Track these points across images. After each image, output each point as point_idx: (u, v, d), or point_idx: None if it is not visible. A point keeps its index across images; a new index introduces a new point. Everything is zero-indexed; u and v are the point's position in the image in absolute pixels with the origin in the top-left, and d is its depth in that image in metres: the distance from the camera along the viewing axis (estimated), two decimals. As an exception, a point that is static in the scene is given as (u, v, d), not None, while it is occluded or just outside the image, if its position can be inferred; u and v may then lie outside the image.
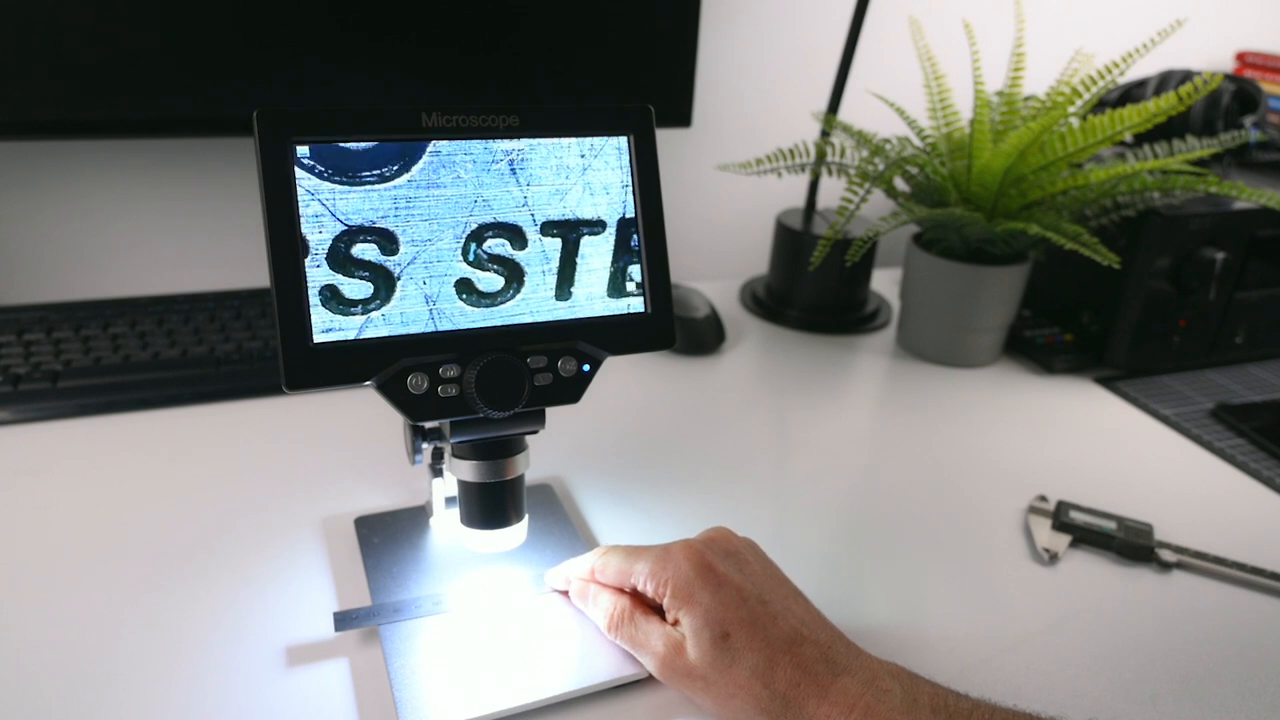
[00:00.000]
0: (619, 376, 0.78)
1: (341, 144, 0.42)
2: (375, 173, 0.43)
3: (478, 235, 0.45)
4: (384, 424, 0.67)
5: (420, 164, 0.44)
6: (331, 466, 0.63)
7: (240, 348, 0.74)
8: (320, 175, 0.42)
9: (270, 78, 0.72)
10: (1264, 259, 0.84)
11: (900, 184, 0.84)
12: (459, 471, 0.48)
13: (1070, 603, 0.54)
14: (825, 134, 0.87)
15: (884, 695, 0.39)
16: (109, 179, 0.83)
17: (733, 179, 1.02)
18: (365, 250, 0.43)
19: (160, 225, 0.86)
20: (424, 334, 0.43)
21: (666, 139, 0.93)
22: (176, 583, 0.52)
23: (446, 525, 0.55)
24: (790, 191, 1.04)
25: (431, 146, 0.44)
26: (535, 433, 0.48)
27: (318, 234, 0.42)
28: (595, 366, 0.47)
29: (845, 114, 0.90)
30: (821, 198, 0.95)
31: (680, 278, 0.99)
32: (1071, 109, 0.75)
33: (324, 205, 0.42)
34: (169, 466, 0.62)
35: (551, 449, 0.66)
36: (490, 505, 0.49)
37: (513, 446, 0.48)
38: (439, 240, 0.44)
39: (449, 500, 0.55)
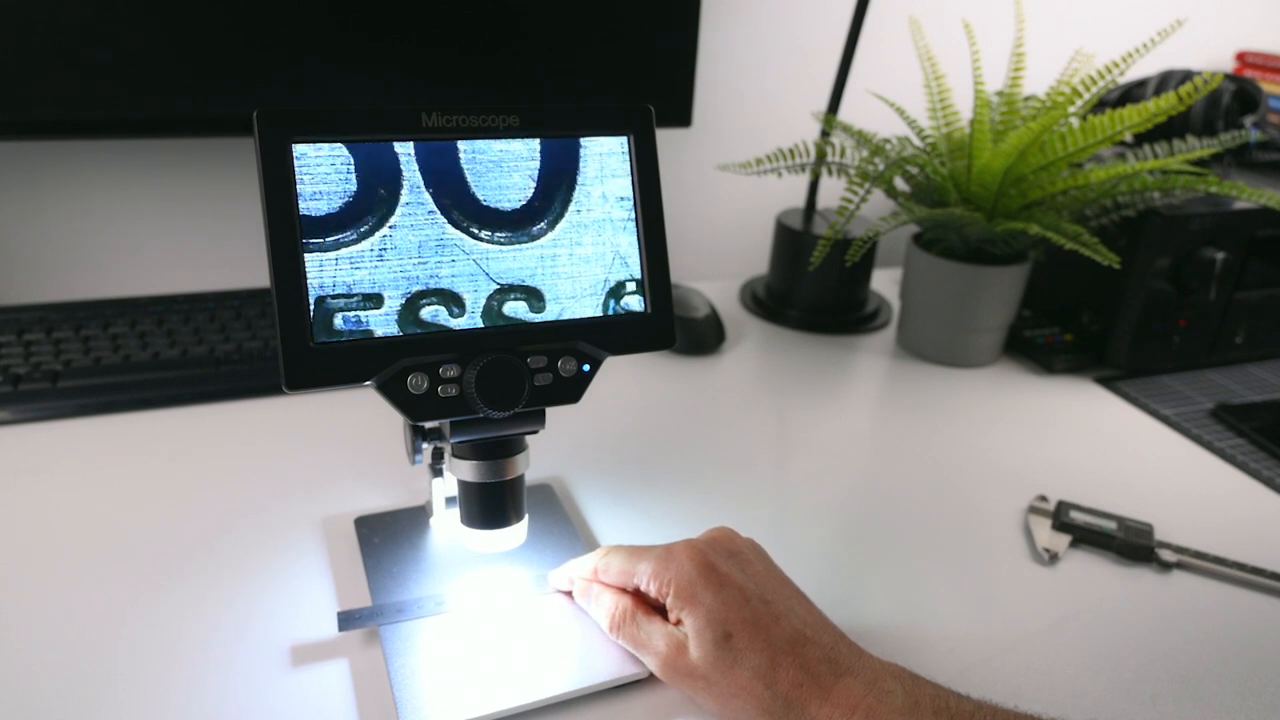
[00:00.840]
0: (619, 376, 0.78)
1: (485, 202, 0.44)
2: (522, 231, 0.45)
3: (616, 291, 0.47)
4: (384, 424, 0.67)
5: (563, 223, 0.46)
6: (331, 466, 0.63)
7: (240, 348, 0.74)
8: (475, 236, 0.44)
9: (270, 78, 0.72)
10: (1264, 259, 0.84)
11: (900, 184, 0.84)
12: (459, 471, 0.48)
13: (1070, 603, 0.54)
14: (825, 134, 0.87)
15: (886, 696, 0.39)
16: (109, 179, 0.83)
17: (733, 179, 1.02)
18: (515, 309, 0.45)
19: (160, 225, 0.86)
20: (424, 334, 0.43)
21: (666, 139, 0.93)
22: (176, 583, 0.52)
23: (446, 525, 0.55)
24: (790, 191, 1.04)
25: (574, 205, 0.46)
26: (535, 433, 0.48)
27: (472, 293, 0.44)
28: (595, 366, 0.47)
29: (845, 114, 0.90)
30: (821, 198, 0.95)
31: (680, 278, 0.99)
32: (1071, 109, 0.75)
33: (479, 266, 0.44)
34: (169, 466, 0.62)
35: (551, 449, 0.66)
36: (490, 505, 0.49)
37: (513, 446, 0.48)
38: (582, 296, 0.46)
39: (449, 500, 0.55)
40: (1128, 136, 0.80)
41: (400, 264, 0.43)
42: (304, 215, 0.41)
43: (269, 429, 0.67)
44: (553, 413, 0.48)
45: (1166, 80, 0.89)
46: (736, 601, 0.43)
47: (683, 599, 0.44)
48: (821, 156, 0.85)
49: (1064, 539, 0.60)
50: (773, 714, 0.40)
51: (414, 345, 0.43)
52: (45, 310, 0.75)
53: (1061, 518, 0.61)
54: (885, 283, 1.02)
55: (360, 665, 0.47)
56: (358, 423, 0.68)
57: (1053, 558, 0.58)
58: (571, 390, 0.46)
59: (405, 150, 0.43)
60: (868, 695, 0.39)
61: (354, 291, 0.42)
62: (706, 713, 0.44)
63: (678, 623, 0.44)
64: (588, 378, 0.47)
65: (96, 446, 0.64)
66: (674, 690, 0.46)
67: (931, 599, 0.54)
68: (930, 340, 0.85)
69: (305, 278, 0.41)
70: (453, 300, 0.44)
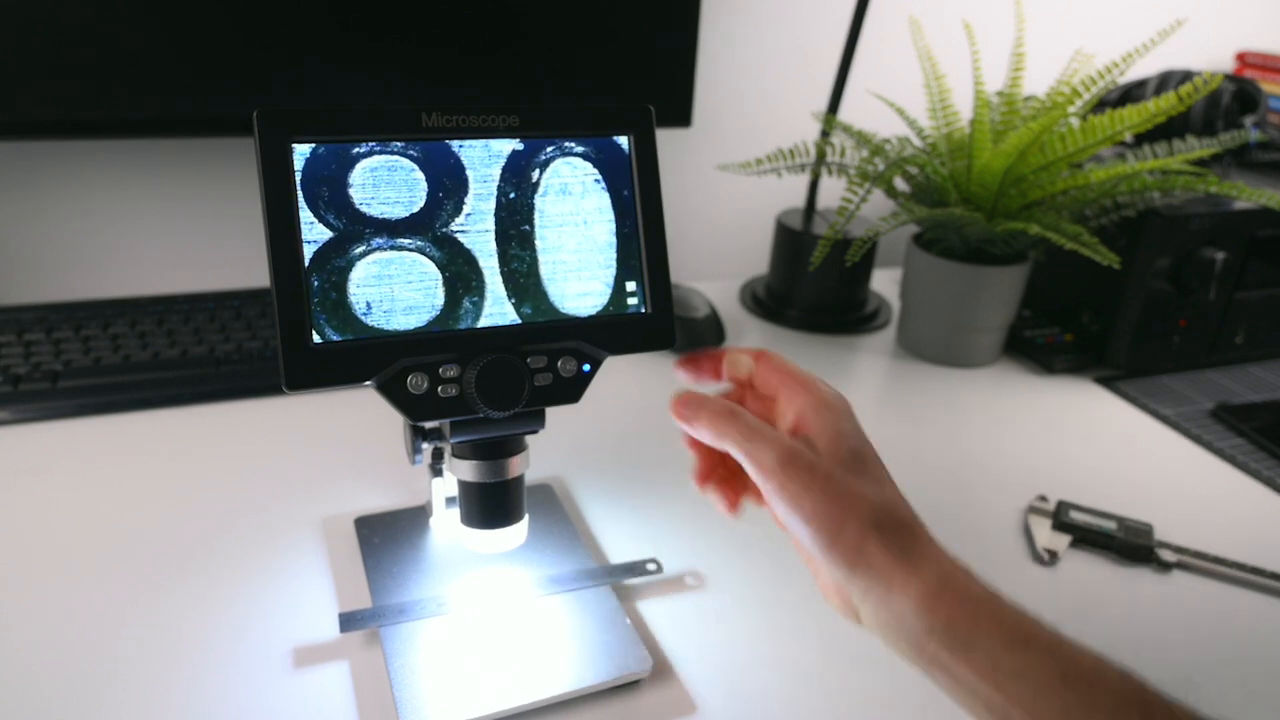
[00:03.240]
0: (619, 376, 0.78)
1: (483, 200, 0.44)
2: (522, 230, 0.45)
3: (616, 291, 0.48)
4: (384, 424, 0.67)
5: (563, 223, 0.46)
6: (331, 466, 0.63)
7: (240, 348, 0.74)
8: (473, 233, 0.43)
9: (270, 78, 0.72)
10: (1264, 259, 0.84)
11: (900, 184, 0.84)
12: (459, 471, 0.48)
13: (1070, 603, 0.54)
14: (825, 134, 0.87)
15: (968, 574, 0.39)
16: (109, 179, 0.83)
17: (733, 179, 1.02)
18: (516, 309, 0.45)
19: (161, 225, 0.86)
20: (424, 334, 0.43)
21: (666, 139, 0.93)
22: (176, 583, 0.52)
23: (446, 525, 0.55)
24: (790, 191, 1.04)
25: (573, 205, 0.45)
26: (535, 433, 0.48)
27: (473, 291, 0.44)
28: (595, 366, 0.47)
29: (845, 114, 0.90)
30: (821, 198, 0.95)
31: (680, 278, 0.99)
32: (1071, 109, 0.75)
33: (480, 265, 0.44)
34: (169, 466, 0.62)
35: (551, 449, 0.66)
36: (490, 505, 0.49)
37: (513, 446, 0.48)
38: (582, 296, 0.47)
39: (449, 500, 0.55)
40: (1128, 136, 0.80)
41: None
42: (373, 216, 0.40)
43: (269, 429, 0.67)
44: (553, 413, 0.48)
45: (1166, 80, 0.89)
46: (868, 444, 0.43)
47: (831, 408, 0.43)
48: (821, 156, 0.85)
49: (1064, 539, 0.60)
50: (882, 527, 0.38)
51: (414, 345, 0.43)
52: (45, 310, 0.75)
53: (1061, 518, 0.61)
54: (885, 283, 1.02)
55: (360, 665, 0.47)
56: (358, 423, 0.68)
57: (1053, 558, 0.58)
58: (571, 390, 0.46)
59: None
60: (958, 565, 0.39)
61: (354, 290, 0.42)
62: (801, 511, 0.39)
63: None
64: (588, 378, 0.47)
65: (96, 446, 0.64)
66: (672, 690, 0.46)
67: (931, 599, 0.54)
68: (930, 340, 0.85)
69: (305, 277, 0.41)
70: (453, 299, 0.44)
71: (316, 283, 0.40)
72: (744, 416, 0.43)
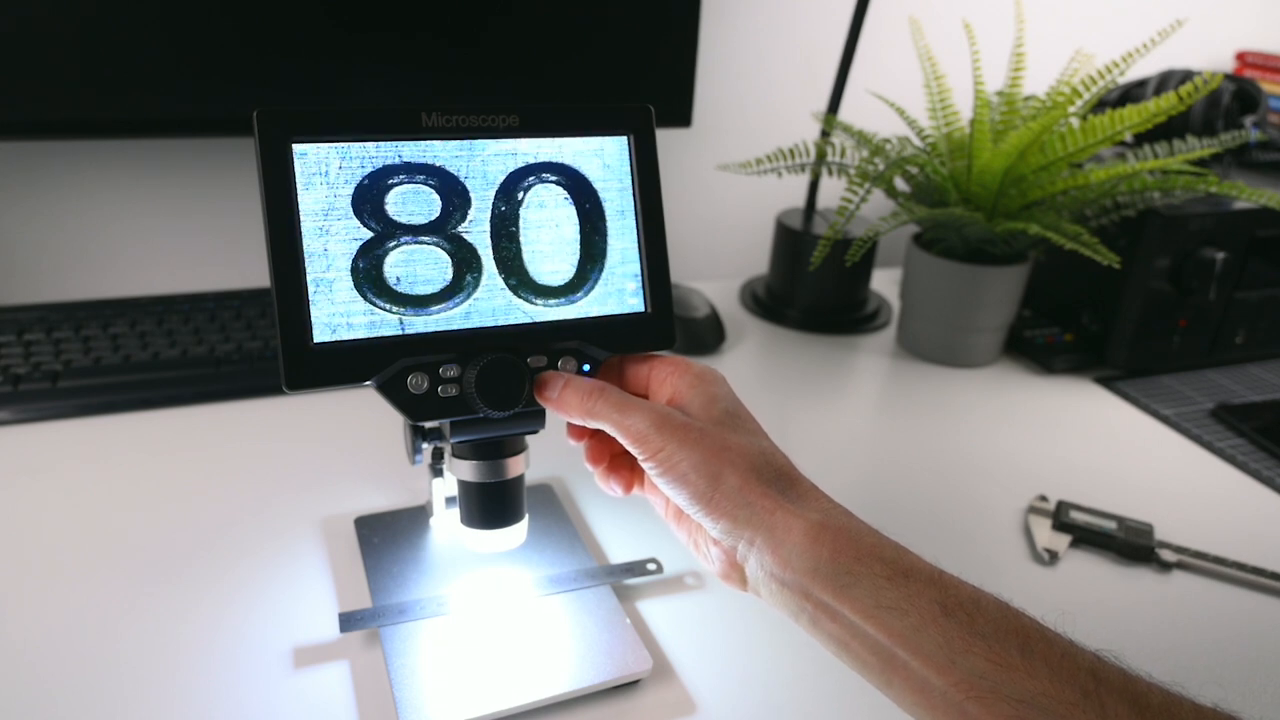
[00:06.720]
0: (619, 376, 0.78)
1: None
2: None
3: (616, 291, 0.49)
4: (384, 424, 0.67)
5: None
6: (331, 466, 0.63)
7: (240, 348, 0.74)
8: (472, 234, 0.45)
9: (270, 78, 0.72)
10: (1264, 259, 0.84)
11: (900, 184, 0.84)
12: (459, 471, 0.48)
13: (1070, 603, 0.54)
14: (825, 134, 0.87)
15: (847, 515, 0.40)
16: (109, 179, 0.83)
17: (733, 179, 1.02)
18: (516, 308, 0.47)
19: (160, 225, 0.86)
20: (424, 334, 0.44)
21: (666, 139, 0.93)
22: (176, 583, 0.52)
23: (446, 525, 0.55)
24: (790, 191, 1.04)
25: (572, 204, 0.48)
26: (535, 433, 0.48)
27: (471, 290, 0.46)
28: (595, 366, 0.47)
29: (845, 114, 0.90)
30: (821, 198, 0.95)
31: (680, 278, 0.99)
32: (1071, 109, 0.75)
33: (479, 263, 0.46)
34: (169, 466, 0.62)
35: (551, 449, 0.66)
36: (490, 505, 0.49)
37: (513, 446, 0.48)
38: (582, 295, 0.49)
39: (449, 500, 0.55)
40: (1128, 136, 0.81)
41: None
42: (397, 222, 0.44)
43: (269, 429, 0.67)
44: (553, 413, 0.48)
45: (1166, 80, 0.89)
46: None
47: (704, 377, 0.44)
48: (821, 156, 0.85)
49: (1064, 539, 0.60)
50: (761, 473, 0.40)
51: (414, 345, 0.43)
52: (45, 310, 0.75)
53: (1061, 518, 0.61)
54: (885, 283, 1.02)
55: (360, 665, 0.47)
56: (358, 423, 0.68)
57: (1053, 558, 0.58)
58: (571, 390, 0.46)
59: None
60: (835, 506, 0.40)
61: (388, 270, 0.44)
62: (678, 471, 0.40)
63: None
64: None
65: (96, 446, 0.64)
66: (673, 690, 0.46)
67: (931, 599, 0.54)
68: (930, 340, 0.85)
69: (305, 277, 0.41)
70: (459, 275, 0.45)
71: (362, 265, 0.43)
72: (612, 390, 0.44)
